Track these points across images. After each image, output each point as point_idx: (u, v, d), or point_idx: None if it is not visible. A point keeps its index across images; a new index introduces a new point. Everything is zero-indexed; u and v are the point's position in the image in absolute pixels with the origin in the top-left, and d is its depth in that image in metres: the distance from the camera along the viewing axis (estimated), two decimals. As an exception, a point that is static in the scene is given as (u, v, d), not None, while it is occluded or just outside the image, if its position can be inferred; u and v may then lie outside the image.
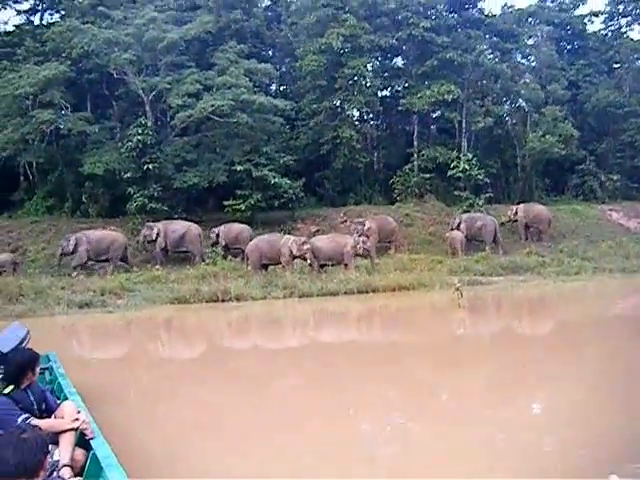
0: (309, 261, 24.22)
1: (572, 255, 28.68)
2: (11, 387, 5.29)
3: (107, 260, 26.09)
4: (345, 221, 32.01)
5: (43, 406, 5.56)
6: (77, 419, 5.21)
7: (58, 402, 5.87)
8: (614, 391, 8.81)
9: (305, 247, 24.19)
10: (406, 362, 11.83)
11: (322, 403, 8.95)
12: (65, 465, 4.86)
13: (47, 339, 12.74)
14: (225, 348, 14.95)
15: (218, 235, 27.91)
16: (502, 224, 31.49)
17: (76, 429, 5.16)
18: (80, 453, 5.09)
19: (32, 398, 5.44)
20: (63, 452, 4.97)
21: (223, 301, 20.18)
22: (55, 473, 4.78)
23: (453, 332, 15.49)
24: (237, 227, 28.36)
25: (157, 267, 25.50)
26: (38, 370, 5.79)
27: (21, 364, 5.45)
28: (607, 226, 36.00)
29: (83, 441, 5.17)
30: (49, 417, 5.45)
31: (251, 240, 26.27)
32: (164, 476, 5.93)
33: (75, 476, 4.85)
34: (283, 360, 12.80)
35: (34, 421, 5.01)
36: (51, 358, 8.43)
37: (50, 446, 4.44)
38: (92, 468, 4.83)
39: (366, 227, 28.28)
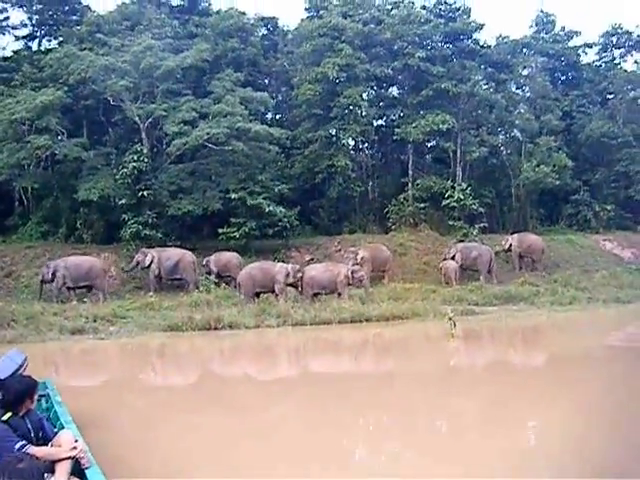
0: (300, 289, 24.28)
1: (566, 285, 28.60)
2: (9, 414, 5.32)
3: (87, 287, 25.83)
4: (339, 250, 31.99)
5: (40, 434, 5.58)
6: (75, 447, 5.19)
7: (55, 430, 5.87)
8: (607, 421, 8.82)
9: (299, 274, 24.27)
10: (399, 392, 11.82)
11: (315, 432, 8.94)
12: None
13: (38, 365, 12.66)
14: (217, 376, 14.91)
15: (209, 264, 27.98)
16: (496, 254, 31.44)
17: (73, 457, 5.13)
18: None
19: (30, 425, 5.48)
20: None
21: (216, 329, 20.11)
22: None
23: (446, 362, 15.46)
24: (227, 255, 28.41)
25: (150, 294, 25.52)
26: (36, 397, 5.81)
27: (19, 392, 5.50)
28: (601, 256, 36.04)
29: (78, 470, 5.15)
30: (45, 445, 5.44)
31: (240, 268, 26.32)
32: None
33: None
34: (276, 389, 12.79)
35: (31, 448, 5.00)
36: (48, 385, 8.40)
37: (45, 475, 4.42)
38: None
39: (359, 256, 28.28)
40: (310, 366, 16.21)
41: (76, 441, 5.37)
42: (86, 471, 5.06)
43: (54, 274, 25.28)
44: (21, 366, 6.61)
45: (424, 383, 12.67)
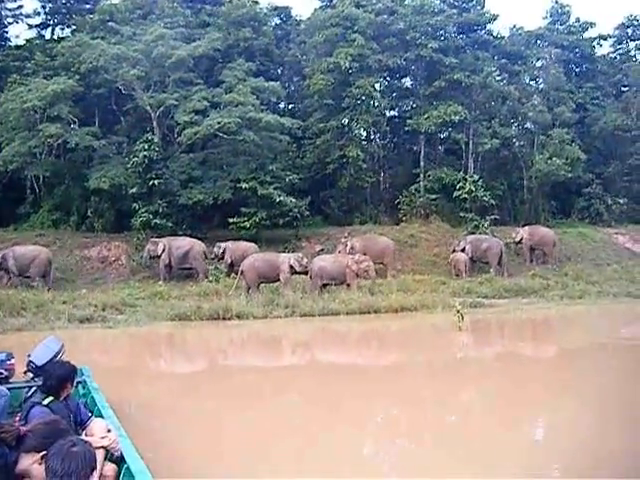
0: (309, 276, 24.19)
1: (577, 278, 28.47)
2: (50, 398, 5.42)
3: (30, 277, 25.62)
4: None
5: (78, 418, 5.68)
6: (106, 437, 5.22)
7: (89, 414, 5.92)
8: (615, 417, 8.75)
9: (305, 262, 24.15)
10: (406, 384, 11.79)
11: (320, 426, 8.96)
12: None
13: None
14: (224, 366, 14.90)
15: (224, 251, 27.78)
16: (507, 246, 31.26)
17: (105, 447, 5.14)
18: (110, 468, 5.10)
19: (69, 410, 5.57)
20: None
21: (224, 319, 20.11)
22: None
23: (452, 354, 15.41)
24: (244, 245, 28.10)
25: (160, 283, 25.58)
26: (75, 382, 6.00)
27: (62, 376, 5.61)
28: (613, 250, 35.79)
29: (115, 456, 5.20)
30: (81, 428, 5.57)
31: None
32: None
33: None
34: (283, 379, 12.76)
35: None
36: (84, 372, 8.46)
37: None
38: None
39: (348, 246, 28.10)
40: (317, 357, 16.19)
41: (109, 430, 5.41)
42: (125, 456, 5.08)
43: (2, 263, 25.46)
44: (58, 353, 6.96)
45: (431, 375, 12.69)
